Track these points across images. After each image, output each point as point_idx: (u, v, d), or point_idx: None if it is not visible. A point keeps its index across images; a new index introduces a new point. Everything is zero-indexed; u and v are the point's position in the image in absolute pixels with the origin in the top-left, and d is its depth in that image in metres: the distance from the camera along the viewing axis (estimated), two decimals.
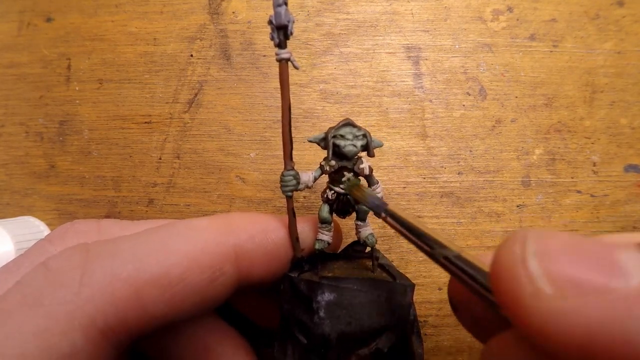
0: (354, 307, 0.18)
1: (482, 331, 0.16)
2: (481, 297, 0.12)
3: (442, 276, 0.28)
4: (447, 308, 0.18)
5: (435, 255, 0.14)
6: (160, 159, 0.30)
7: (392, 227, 0.16)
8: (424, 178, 0.29)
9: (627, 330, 0.08)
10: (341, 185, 0.20)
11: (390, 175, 0.29)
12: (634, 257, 0.09)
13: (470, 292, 0.13)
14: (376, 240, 0.21)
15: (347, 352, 0.18)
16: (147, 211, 0.30)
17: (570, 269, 0.10)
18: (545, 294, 0.10)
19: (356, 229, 0.21)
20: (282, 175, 0.19)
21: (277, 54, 0.17)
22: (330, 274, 0.19)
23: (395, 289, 0.19)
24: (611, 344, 0.09)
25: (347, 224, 0.26)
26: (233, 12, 0.30)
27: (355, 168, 0.20)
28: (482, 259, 0.13)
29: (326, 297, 0.18)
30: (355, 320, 0.18)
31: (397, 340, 0.19)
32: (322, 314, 0.18)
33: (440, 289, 0.28)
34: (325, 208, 0.20)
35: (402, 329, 0.19)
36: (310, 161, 0.29)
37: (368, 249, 0.21)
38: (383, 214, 0.17)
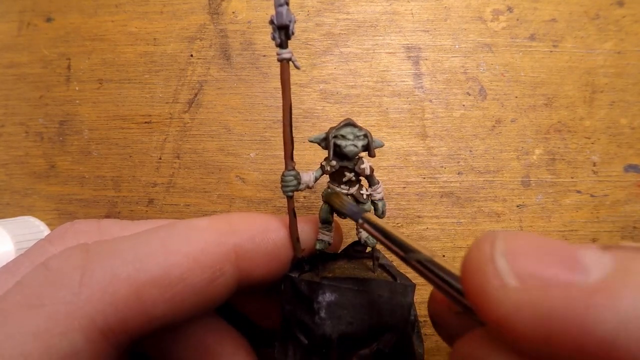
0: (354, 307, 0.18)
1: None
2: (451, 298, 0.13)
3: None
4: None
5: (408, 260, 0.14)
6: (160, 159, 0.30)
7: (369, 232, 0.17)
8: (424, 178, 0.29)
9: (584, 320, 0.09)
10: (322, 194, 0.20)
11: (390, 175, 0.29)
12: (594, 255, 0.10)
13: (442, 293, 0.13)
14: (376, 241, 0.21)
15: (348, 352, 0.18)
16: (147, 211, 0.30)
17: (534, 266, 0.10)
18: (511, 287, 0.10)
19: (357, 229, 0.21)
20: (283, 175, 0.19)
21: (278, 54, 0.17)
22: (330, 275, 0.19)
23: (395, 289, 0.19)
24: (570, 332, 0.09)
25: (348, 224, 0.26)
26: (233, 12, 0.30)
27: (356, 168, 0.20)
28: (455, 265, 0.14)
29: (327, 297, 0.18)
30: (356, 321, 0.18)
31: (398, 341, 0.19)
32: (323, 314, 0.18)
33: None
34: (326, 208, 0.20)
35: (402, 329, 0.19)
36: (310, 161, 0.29)
37: (368, 249, 0.21)
38: (360, 221, 0.18)
